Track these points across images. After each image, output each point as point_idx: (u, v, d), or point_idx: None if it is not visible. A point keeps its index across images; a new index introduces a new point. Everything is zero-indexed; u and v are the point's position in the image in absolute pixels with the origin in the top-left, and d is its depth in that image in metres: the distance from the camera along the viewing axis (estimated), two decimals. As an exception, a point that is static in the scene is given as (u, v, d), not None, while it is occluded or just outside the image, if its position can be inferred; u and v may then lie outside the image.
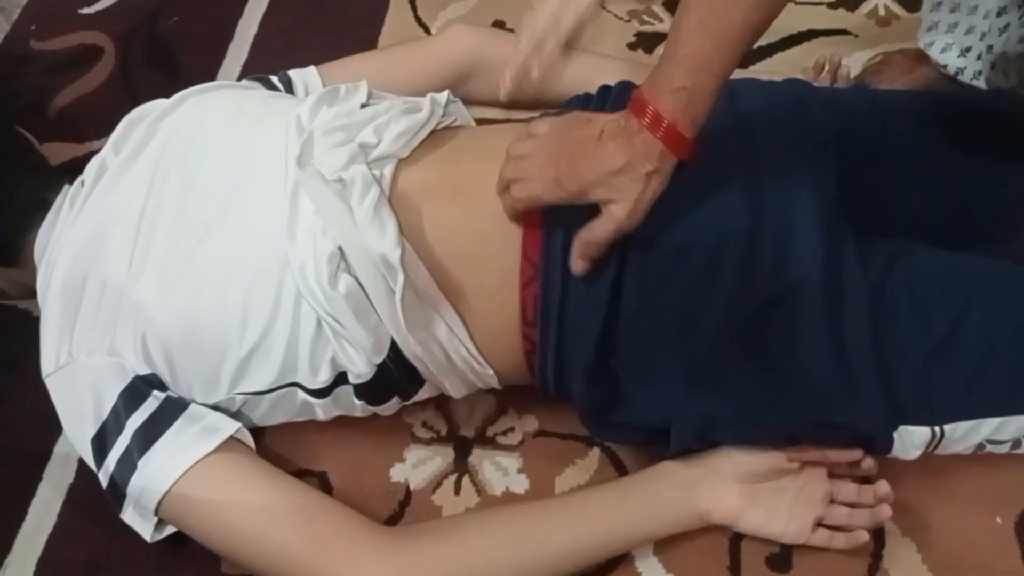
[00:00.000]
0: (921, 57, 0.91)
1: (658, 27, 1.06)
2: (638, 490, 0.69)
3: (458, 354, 0.67)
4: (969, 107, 0.76)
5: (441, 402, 0.79)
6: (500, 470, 0.76)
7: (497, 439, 0.78)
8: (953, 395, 0.63)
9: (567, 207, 0.62)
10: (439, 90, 0.92)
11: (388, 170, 0.67)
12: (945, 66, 0.83)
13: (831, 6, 1.04)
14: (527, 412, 0.79)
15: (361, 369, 0.65)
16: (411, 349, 0.65)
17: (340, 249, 0.63)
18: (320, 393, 0.68)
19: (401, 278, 0.62)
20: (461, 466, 0.77)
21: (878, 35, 1.00)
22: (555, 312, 0.65)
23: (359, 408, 0.70)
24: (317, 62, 0.87)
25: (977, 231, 0.74)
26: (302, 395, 0.68)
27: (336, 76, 0.84)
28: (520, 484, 0.75)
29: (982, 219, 0.74)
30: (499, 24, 1.08)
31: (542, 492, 0.75)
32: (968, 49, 0.81)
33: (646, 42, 1.04)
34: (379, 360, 0.65)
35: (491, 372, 0.70)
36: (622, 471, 0.75)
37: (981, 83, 0.82)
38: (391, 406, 0.71)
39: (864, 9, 1.03)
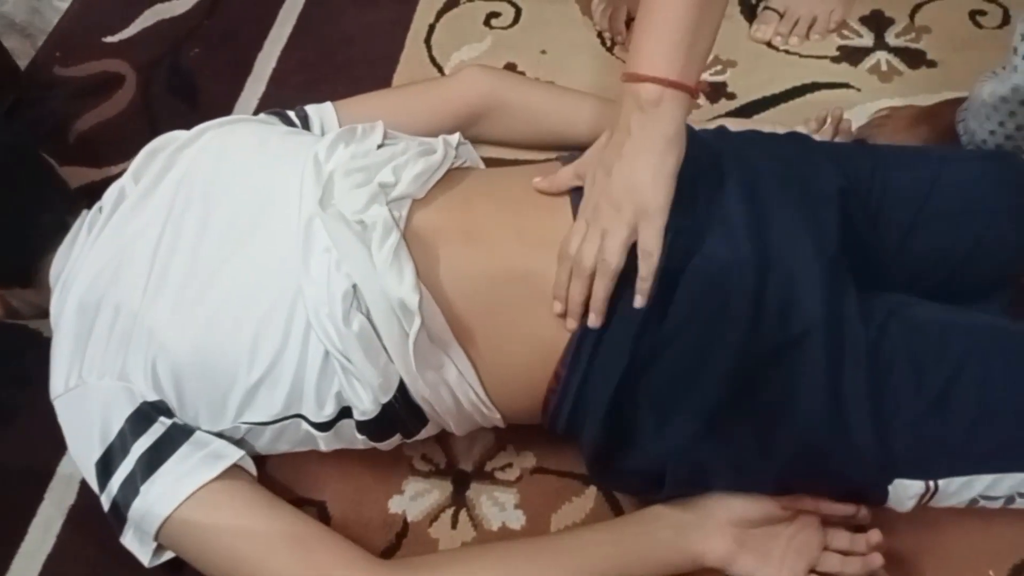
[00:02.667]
0: (926, 115, 0.93)
1: (666, 75, 1.08)
2: (633, 531, 0.70)
3: (467, 397, 0.69)
4: (968, 165, 0.78)
5: (441, 436, 0.80)
6: (497, 505, 0.77)
7: (495, 474, 0.79)
8: (947, 451, 0.64)
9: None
10: (451, 129, 0.94)
11: (404, 211, 0.69)
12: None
13: (834, 60, 1.07)
14: (525, 449, 0.80)
15: (367, 406, 0.66)
16: (419, 391, 0.67)
17: (354, 287, 0.64)
18: (324, 426, 0.69)
19: (417, 322, 0.63)
20: (459, 500, 0.78)
21: (880, 90, 1.03)
22: (587, 352, 0.66)
23: (360, 442, 0.71)
24: (333, 98, 0.89)
25: (975, 288, 0.75)
26: (305, 427, 0.69)
27: (351, 113, 0.86)
28: (516, 520, 0.76)
29: (980, 277, 0.75)
30: (511, 66, 1.11)
31: (538, 529, 0.75)
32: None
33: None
34: (386, 399, 0.66)
35: (498, 415, 0.71)
36: (618, 510, 0.76)
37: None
38: (392, 442, 0.72)
39: (867, 64, 1.06)
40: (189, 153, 0.74)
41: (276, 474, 0.78)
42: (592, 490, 0.77)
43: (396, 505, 0.77)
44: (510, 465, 0.79)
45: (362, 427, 0.69)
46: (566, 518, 0.76)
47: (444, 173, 0.74)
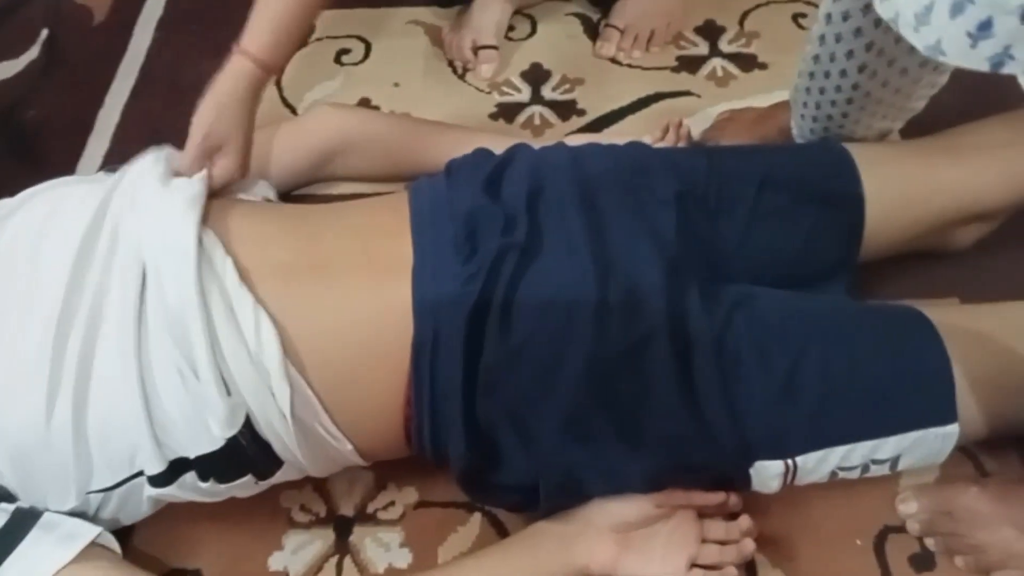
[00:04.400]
0: (763, 115, 0.98)
1: (517, 97, 1.10)
2: (517, 550, 0.70)
3: (315, 433, 0.67)
4: (793, 158, 0.83)
5: (319, 483, 0.78)
6: (382, 546, 0.75)
7: (378, 515, 0.77)
8: (799, 428, 0.67)
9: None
10: (307, 169, 0.95)
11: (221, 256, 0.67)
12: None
13: (674, 70, 1.12)
14: (407, 484, 0.79)
15: (215, 432, 0.64)
16: (266, 427, 0.65)
17: None
18: (162, 479, 0.65)
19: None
20: (342, 547, 0.76)
21: (718, 94, 1.08)
22: (427, 371, 0.66)
23: (207, 491, 0.68)
24: (181, 147, 0.86)
25: (817, 272, 0.80)
26: (147, 487, 0.66)
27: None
28: (403, 558, 0.75)
29: (819, 262, 0.80)
30: (365, 101, 1.11)
31: (425, 564, 0.74)
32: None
33: (507, 112, 1.09)
34: (231, 433, 0.64)
35: (350, 447, 0.69)
36: (503, 533, 0.75)
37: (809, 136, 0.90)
38: (245, 484, 0.69)
39: (704, 72, 1.11)
40: (14, 222, 0.71)
41: (145, 545, 0.74)
42: (477, 517, 0.77)
43: (277, 562, 0.75)
44: (392, 503, 0.78)
45: (208, 466, 0.65)
46: (453, 548, 0.75)
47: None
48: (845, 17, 0.70)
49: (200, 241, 0.67)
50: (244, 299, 0.65)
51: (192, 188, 0.72)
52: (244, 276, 0.67)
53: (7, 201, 0.74)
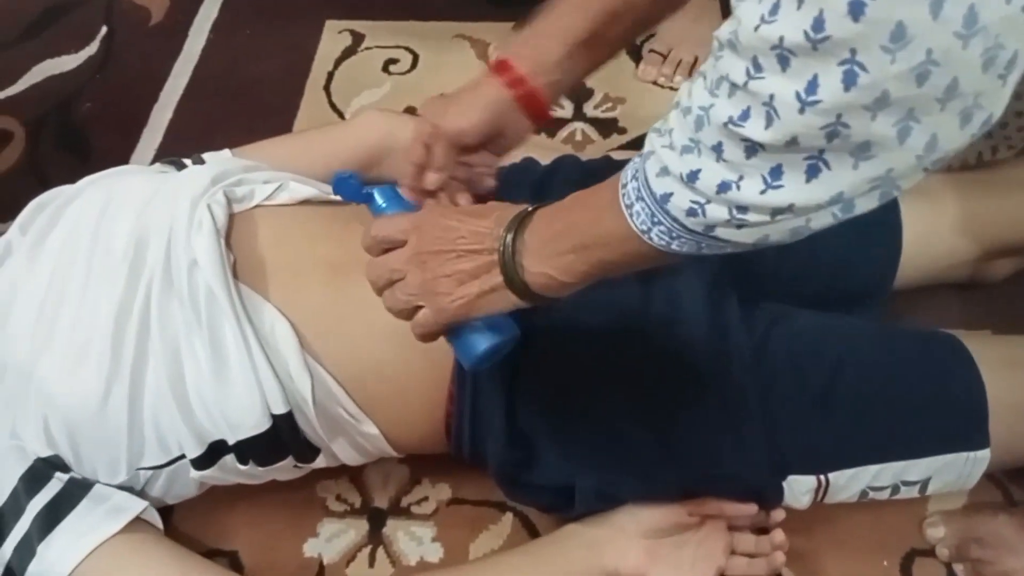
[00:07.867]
0: None
1: (560, 113, 1.13)
2: (548, 552, 0.71)
3: (340, 422, 0.68)
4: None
5: (355, 475, 0.80)
6: (414, 540, 0.77)
7: (411, 509, 0.79)
8: (833, 446, 0.68)
9: None
10: (353, 170, 0.96)
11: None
12: None
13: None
14: (441, 480, 0.80)
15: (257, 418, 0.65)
16: (298, 412, 0.66)
17: None
18: (202, 461, 0.67)
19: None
20: (375, 538, 0.77)
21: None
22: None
23: (246, 474, 0.69)
24: (233, 146, 0.89)
25: (850, 297, 0.81)
26: (192, 468, 0.67)
27: (251, 158, 0.87)
28: (434, 552, 0.76)
29: (853, 287, 0.81)
30: (410, 110, 1.13)
31: (456, 559, 0.76)
32: None
33: (549, 126, 1.11)
34: (281, 411, 0.65)
35: (375, 431, 0.70)
36: (534, 534, 0.77)
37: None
38: (285, 467, 0.71)
39: (744, 97, 1.13)
40: (74, 207, 0.73)
41: (184, 526, 0.76)
42: (509, 516, 0.78)
43: (311, 548, 0.76)
44: (426, 499, 0.79)
45: (247, 450, 0.67)
46: (484, 546, 0.76)
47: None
48: None
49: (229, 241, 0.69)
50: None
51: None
52: (293, 272, 0.69)
53: (68, 188, 0.77)
